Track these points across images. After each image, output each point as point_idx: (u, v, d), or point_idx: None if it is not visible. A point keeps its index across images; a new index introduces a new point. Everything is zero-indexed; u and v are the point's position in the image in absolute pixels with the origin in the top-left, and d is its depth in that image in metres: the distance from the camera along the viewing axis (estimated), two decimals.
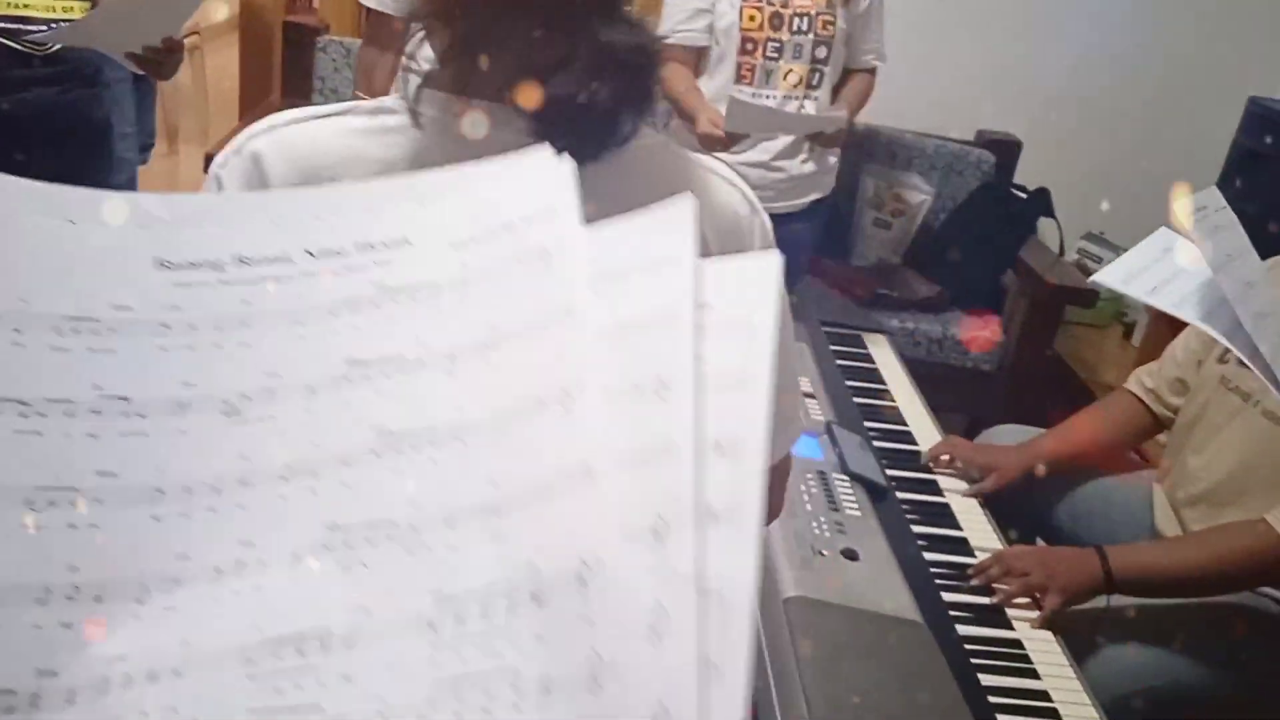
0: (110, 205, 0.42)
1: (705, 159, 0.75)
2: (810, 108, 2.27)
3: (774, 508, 0.88)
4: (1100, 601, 1.39)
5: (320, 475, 0.38)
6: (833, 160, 2.41)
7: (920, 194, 3.10)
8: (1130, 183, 2.99)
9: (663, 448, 0.38)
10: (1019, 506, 1.70)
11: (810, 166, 2.34)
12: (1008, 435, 1.82)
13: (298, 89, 2.89)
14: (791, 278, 2.34)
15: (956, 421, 2.70)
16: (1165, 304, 1.28)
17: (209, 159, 2.44)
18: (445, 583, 0.36)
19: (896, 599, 1.22)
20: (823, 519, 1.35)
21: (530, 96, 0.61)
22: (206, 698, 0.35)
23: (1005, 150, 3.17)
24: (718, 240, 0.71)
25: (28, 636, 0.35)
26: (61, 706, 0.34)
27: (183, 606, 0.36)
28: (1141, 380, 1.76)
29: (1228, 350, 1.31)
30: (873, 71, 2.40)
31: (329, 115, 0.66)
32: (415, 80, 0.65)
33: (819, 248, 2.53)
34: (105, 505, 0.37)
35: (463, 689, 0.35)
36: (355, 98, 2.23)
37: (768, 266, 0.42)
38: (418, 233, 0.43)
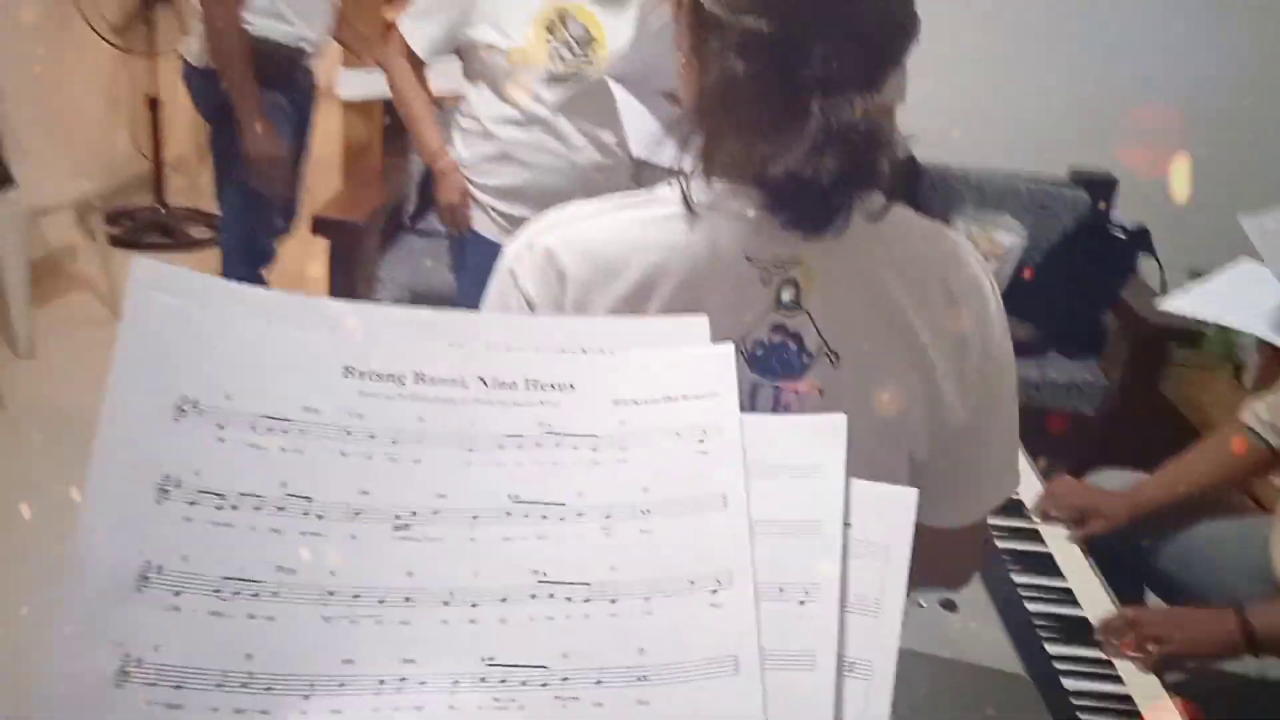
0: (307, 310, 0.44)
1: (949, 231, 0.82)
2: None
3: (972, 569, 0.92)
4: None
5: (480, 607, 0.40)
6: None
7: (1013, 236, 3.05)
8: (1233, 217, 2.90)
9: (805, 656, 0.39)
10: (1121, 553, 1.64)
11: None
12: (1109, 481, 1.76)
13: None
14: None
15: (1056, 469, 2.63)
16: (1234, 321, 1.30)
17: (316, 222, 2.53)
18: None
19: (998, 651, 1.19)
20: None
21: (762, 175, 0.68)
22: None
23: (1100, 189, 3.11)
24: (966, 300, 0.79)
25: (205, 719, 0.36)
26: None
27: (347, 712, 0.38)
28: (1257, 413, 1.66)
29: None
30: None
31: (607, 210, 0.72)
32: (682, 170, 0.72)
33: None
34: (281, 600, 0.38)
35: None
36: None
37: (907, 497, 0.43)
38: (583, 381, 0.45)
